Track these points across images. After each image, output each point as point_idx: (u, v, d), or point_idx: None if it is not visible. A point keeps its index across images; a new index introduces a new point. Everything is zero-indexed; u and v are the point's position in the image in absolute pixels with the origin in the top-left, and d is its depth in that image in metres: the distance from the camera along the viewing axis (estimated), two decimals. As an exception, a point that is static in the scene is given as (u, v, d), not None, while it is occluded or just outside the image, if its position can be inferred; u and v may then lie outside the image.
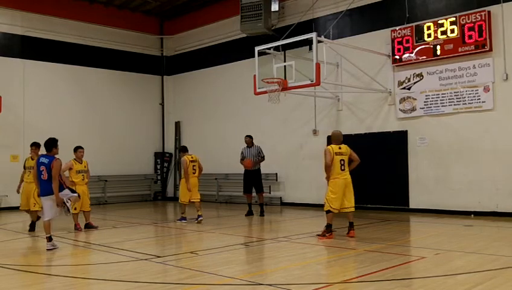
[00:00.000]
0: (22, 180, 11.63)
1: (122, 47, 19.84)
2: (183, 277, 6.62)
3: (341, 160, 9.54)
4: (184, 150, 13.11)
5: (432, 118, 13.56)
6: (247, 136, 14.05)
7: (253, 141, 14.02)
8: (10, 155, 16.95)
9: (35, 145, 11.20)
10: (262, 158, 13.89)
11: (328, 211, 9.55)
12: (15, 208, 16.64)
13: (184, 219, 12.57)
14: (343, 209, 9.57)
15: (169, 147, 21.06)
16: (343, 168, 9.54)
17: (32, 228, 11.17)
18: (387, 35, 14.19)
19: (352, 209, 9.62)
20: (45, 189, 8.74)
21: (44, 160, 8.79)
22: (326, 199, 9.60)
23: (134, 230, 11.70)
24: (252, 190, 13.92)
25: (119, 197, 19.29)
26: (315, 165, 15.82)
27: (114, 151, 19.14)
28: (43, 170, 8.72)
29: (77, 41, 18.62)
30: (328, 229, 9.56)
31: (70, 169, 11.32)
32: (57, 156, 8.91)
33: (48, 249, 8.54)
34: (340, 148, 9.64)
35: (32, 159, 10.82)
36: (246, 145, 13.99)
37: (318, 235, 9.67)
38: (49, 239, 8.64)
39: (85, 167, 11.59)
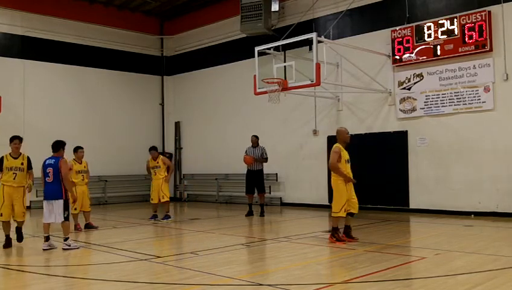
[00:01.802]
0: None
1: (122, 47, 19.83)
2: (183, 277, 6.62)
3: None
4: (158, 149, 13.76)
5: (432, 118, 13.55)
6: (253, 135, 14.05)
7: (258, 142, 14.02)
8: (10, 155, 16.92)
9: (18, 139, 9.30)
10: (265, 160, 13.87)
11: None
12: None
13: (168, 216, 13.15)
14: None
15: (170, 147, 21.05)
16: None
17: (9, 243, 9.08)
18: (387, 35, 14.18)
19: (332, 214, 8.97)
20: (51, 191, 8.79)
21: (50, 161, 8.89)
22: None
23: (135, 230, 11.69)
24: (254, 191, 13.90)
25: (119, 198, 19.28)
26: (315, 165, 15.84)
27: (114, 151, 19.12)
28: (49, 172, 8.79)
29: (77, 42, 18.62)
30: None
31: (70, 169, 11.27)
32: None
33: (64, 249, 8.63)
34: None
35: (15, 158, 9.11)
36: (251, 144, 13.98)
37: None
38: (65, 239, 8.76)
39: (85, 167, 11.58)
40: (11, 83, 17.07)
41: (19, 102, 17.18)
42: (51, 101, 17.91)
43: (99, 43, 19.17)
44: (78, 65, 18.68)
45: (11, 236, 9.19)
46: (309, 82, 12.39)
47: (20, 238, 9.34)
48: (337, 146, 8.92)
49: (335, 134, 9.36)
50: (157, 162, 13.08)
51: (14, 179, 9.03)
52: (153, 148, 13.37)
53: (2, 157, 9.16)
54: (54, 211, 8.72)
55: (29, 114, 17.28)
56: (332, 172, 8.94)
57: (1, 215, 9.04)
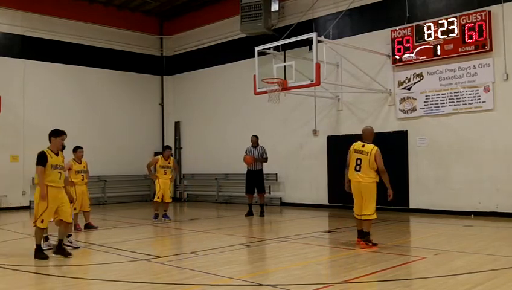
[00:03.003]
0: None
1: (122, 47, 19.83)
2: (183, 277, 6.61)
3: (358, 159, 8.45)
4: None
5: (432, 118, 13.55)
6: (253, 135, 14.04)
7: (258, 142, 14.01)
8: (10, 155, 16.95)
9: (65, 134, 8.36)
10: (265, 159, 13.87)
11: None
12: (14, 208, 16.71)
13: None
14: (362, 215, 8.49)
15: (169, 147, 21.03)
16: (358, 168, 8.44)
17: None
18: (387, 35, 14.18)
19: (365, 217, 8.43)
20: None
21: None
22: None
23: (134, 230, 11.69)
24: (254, 191, 13.89)
25: (119, 198, 19.27)
26: (315, 165, 15.83)
27: (114, 151, 19.12)
28: None
29: (77, 42, 18.62)
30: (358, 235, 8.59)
31: (69, 169, 11.26)
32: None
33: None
34: (363, 146, 8.52)
35: (56, 155, 8.04)
36: (251, 144, 13.97)
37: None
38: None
39: (84, 167, 11.55)
40: (11, 83, 17.06)
41: (19, 102, 17.19)
42: (51, 101, 17.90)
43: (99, 43, 19.17)
44: (78, 65, 18.68)
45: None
46: (309, 82, 12.39)
47: (62, 251, 7.97)
48: (377, 148, 8.51)
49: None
50: (169, 162, 13.10)
51: (59, 178, 8.01)
52: (168, 148, 13.49)
53: (44, 152, 7.95)
54: None
55: (29, 114, 17.28)
56: (366, 174, 8.43)
57: (42, 221, 7.83)
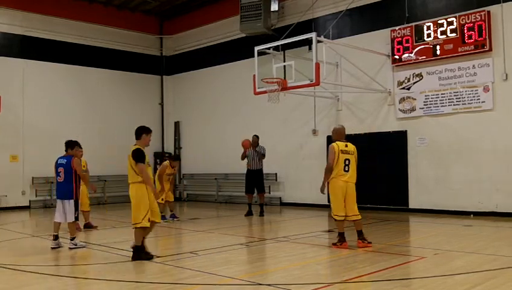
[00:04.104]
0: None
1: (122, 47, 19.84)
2: (183, 277, 6.62)
3: (346, 159, 8.48)
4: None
5: (431, 118, 13.56)
6: (254, 135, 14.07)
7: (258, 142, 14.04)
8: (9, 155, 16.97)
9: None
10: (263, 156, 13.89)
11: (334, 219, 8.61)
12: (14, 208, 16.72)
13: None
14: (347, 217, 8.51)
15: (169, 147, 21.05)
16: (347, 169, 8.46)
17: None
18: (387, 35, 14.19)
19: (355, 217, 8.50)
20: (62, 191, 8.89)
21: (62, 161, 8.97)
22: (331, 205, 8.66)
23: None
24: (253, 190, 13.91)
25: (119, 197, 19.24)
26: (315, 165, 15.83)
27: (114, 151, 19.07)
28: (60, 171, 8.89)
29: (77, 41, 18.63)
30: (340, 237, 8.51)
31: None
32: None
33: (70, 248, 8.65)
34: (346, 146, 8.57)
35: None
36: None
37: (333, 243, 8.61)
38: (72, 239, 8.78)
39: (84, 166, 11.55)
40: (11, 83, 17.07)
41: (19, 102, 17.20)
42: (50, 101, 17.91)
43: (98, 42, 19.18)
44: (78, 65, 18.69)
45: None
46: (308, 82, 12.40)
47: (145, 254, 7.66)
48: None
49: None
50: (174, 170, 13.13)
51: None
52: (178, 158, 13.84)
53: (141, 149, 7.61)
54: (64, 211, 8.81)
55: (29, 114, 17.29)
56: (353, 175, 8.57)
57: (149, 220, 7.54)
